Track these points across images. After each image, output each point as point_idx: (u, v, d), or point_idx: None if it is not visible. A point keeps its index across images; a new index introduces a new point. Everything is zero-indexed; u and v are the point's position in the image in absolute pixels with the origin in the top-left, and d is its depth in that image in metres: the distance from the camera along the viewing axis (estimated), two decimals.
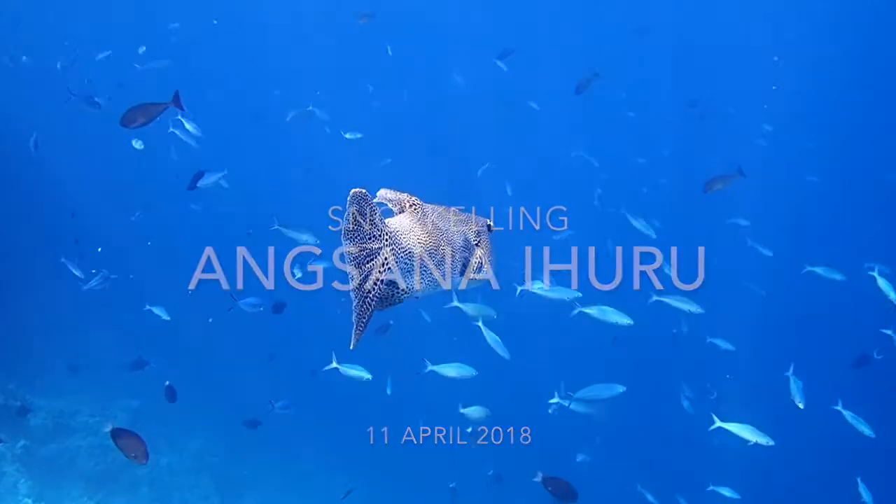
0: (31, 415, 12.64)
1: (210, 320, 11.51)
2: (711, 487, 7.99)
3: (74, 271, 10.47)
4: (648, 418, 12.34)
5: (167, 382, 8.90)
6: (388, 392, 9.50)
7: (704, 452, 12.42)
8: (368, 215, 2.02)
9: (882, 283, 7.20)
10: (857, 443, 7.73)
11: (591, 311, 6.78)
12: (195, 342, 14.87)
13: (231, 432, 13.31)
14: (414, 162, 17.06)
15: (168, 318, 10.15)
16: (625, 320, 6.78)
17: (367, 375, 7.68)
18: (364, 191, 1.98)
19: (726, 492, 7.72)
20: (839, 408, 7.41)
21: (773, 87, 19.80)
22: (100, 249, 10.23)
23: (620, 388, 7.15)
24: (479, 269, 2.49)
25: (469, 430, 7.68)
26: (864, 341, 9.84)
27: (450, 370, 7.67)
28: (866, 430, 7.23)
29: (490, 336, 7.44)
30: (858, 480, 7.30)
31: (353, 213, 2.00)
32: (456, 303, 7.47)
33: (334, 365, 7.66)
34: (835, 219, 18.76)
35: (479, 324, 7.43)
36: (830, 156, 19.04)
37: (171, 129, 10.25)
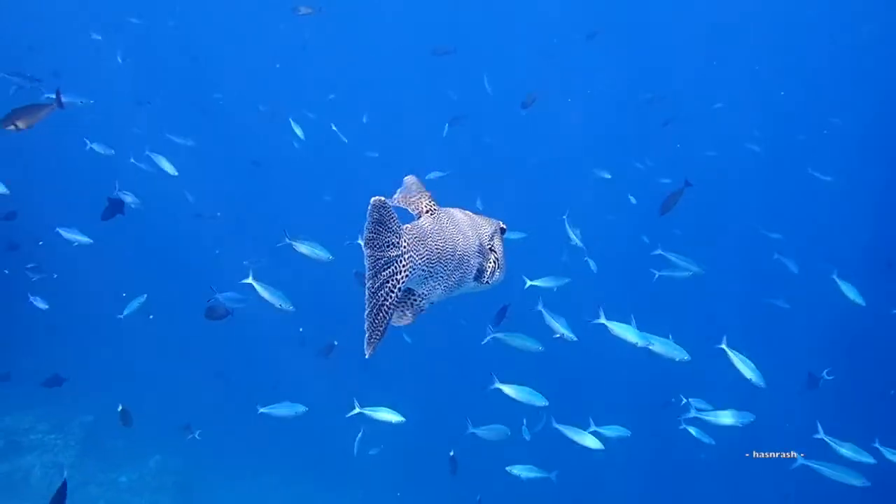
0: None
1: (151, 317, 11.04)
2: None
3: (39, 304, 9.97)
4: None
5: (120, 407, 8.38)
6: (355, 450, 9.17)
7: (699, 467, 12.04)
8: (388, 223, 2.01)
9: None
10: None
11: (655, 347, 6.59)
12: (151, 353, 14.41)
13: (191, 448, 12.67)
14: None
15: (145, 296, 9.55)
16: (682, 355, 6.54)
17: (398, 418, 7.25)
18: (383, 199, 1.98)
19: None
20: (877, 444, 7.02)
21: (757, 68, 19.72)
22: (41, 243, 9.69)
23: (751, 417, 6.84)
24: (493, 273, 2.49)
25: (451, 453, 7.27)
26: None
27: (516, 393, 7.26)
28: None
29: (568, 430, 7.06)
30: None
31: (374, 222, 1.98)
32: (495, 334, 7.14)
33: (357, 410, 7.51)
34: (847, 220, 18.56)
35: (555, 424, 7.32)
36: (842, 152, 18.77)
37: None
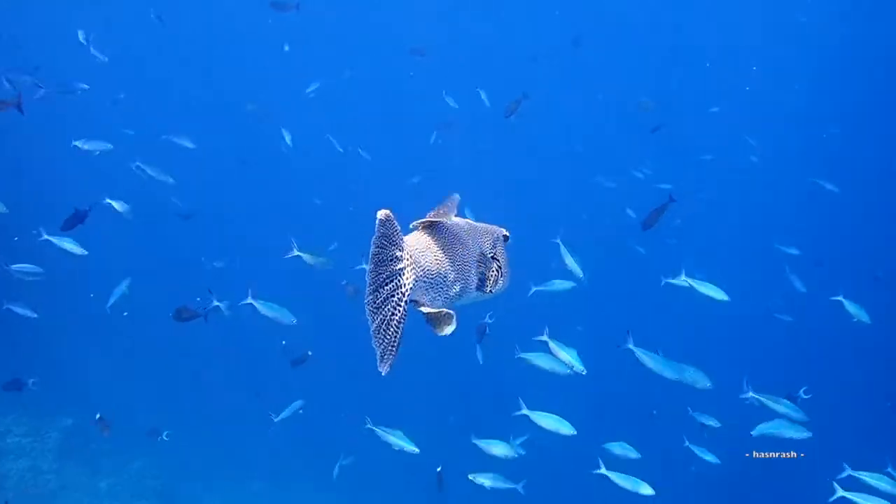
0: None
1: (125, 314, 10.90)
2: None
3: (19, 310, 9.81)
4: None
5: (98, 415, 8.20)
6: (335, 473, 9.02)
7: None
8: (393, 237, 2.00)
9: None
10: None
11: (684, 377, 6.61)
12: (134, 356, 14.15)
13: (173, 454, 12.60)
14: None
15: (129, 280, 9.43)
16: (705, 383, 6.67)
17: (411, 448, 7.07)
18: (389, 212, 1.97)
19: None
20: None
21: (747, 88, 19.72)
22: (16, 238, 9.51)
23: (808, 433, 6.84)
24: (496, 282, 2.47)
25: (439, 469, 7.10)
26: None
27: (547, 421, 7.08)
28: None
29: (617, 477, 7.08)
30: None
31: (381, 237, 1.97)
32: (522, 354, 7.08)
33: (369, 426, 7.40)
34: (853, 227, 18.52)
35: (603, 471, 7.14)
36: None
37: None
